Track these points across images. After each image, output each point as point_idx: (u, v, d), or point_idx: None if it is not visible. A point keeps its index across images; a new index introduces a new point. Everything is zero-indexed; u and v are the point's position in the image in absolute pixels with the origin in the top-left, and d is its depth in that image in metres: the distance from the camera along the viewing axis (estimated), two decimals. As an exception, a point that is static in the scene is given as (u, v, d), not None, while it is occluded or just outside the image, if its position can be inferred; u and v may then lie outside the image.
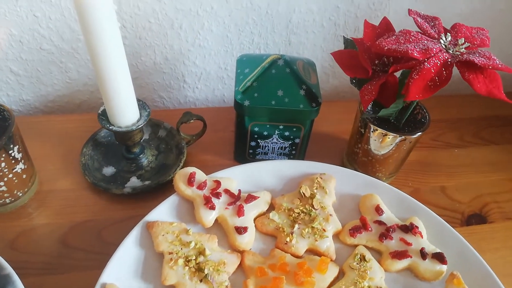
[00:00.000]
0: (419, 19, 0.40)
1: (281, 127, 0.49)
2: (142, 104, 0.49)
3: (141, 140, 0.51)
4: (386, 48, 0.38)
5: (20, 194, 0.47)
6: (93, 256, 0.44)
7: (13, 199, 0.46)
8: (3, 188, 0.44)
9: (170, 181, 0.50)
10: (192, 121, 0.52)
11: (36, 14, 0.54)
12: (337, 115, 0.62)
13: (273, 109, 0.47)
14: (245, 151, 0.53)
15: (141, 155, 0.53)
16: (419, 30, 0.41)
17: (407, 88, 0.38)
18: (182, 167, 0.52)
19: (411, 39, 0.38)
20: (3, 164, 0.42)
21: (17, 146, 0.44)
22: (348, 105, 0.64)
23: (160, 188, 0.50)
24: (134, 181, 0.51)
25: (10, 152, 0.43)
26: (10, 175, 0.44)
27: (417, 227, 0.45)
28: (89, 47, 0.40)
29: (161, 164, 0.53)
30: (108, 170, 0.52)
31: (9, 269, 0.38)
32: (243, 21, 0.60)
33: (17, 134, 0.44)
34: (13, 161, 0.43)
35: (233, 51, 0.63)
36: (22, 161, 0.45)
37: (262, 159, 0.54)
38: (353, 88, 0.72)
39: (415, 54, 0.37)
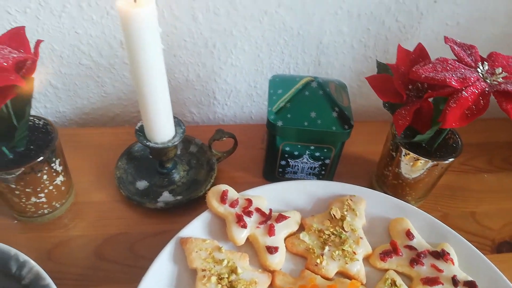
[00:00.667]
0: (455, 47, 0.41)
1: (312, 147, 0.50)
2: (177, 121, 0.50)
3: (174, 156, 0.52)
4: (424, 76, 0.38)
5: (58, 205, 0.48)
6: (126, 269, 0.45)
7: (51, 210, 0.48)
8: (43, 199, 0.46)
9: (201, 196, 0.51)
10: (224, 138, 0.53)
11: (78, 31, 0.56)
12: (364, 135, 0.63)
13: (305, 130, 0.48)
14: (274, 169, 0.54)
15: (174, 170, 0.54)
16: (455, 58, 0.41)
17: (444, 116, 0.38)
18: (213, 184, 0.53)
19: (448, 68, 0.39)
20: (45, 177, 0.44)
21: (59, 159, 0.45)
22: (375, 126, 0.65)
23: (191, 203, 0.51)
24: (166, 196, 0.52)
25: (52, 165, 0.44)
26: (51, 187, 0.46)
27: (448, 253, 0.44)
28: (133, 66, 0.41)
29: (192, 179, 0.54)
30: (141, 184, 0.53)
31: (48, 280, 0.39)
32: (275, 41, 0.61)
33: (59, 147, 0.45)
34: (54, 174, 0.45)
35: (264, 69, 0.65)
36: (62, 173, 0.47)
37: (291, 178, 0.55)
38: (380, 109, 0.72)
39: (453, 83, 0.37)
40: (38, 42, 0.39)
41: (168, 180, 0.54)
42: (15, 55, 0.36)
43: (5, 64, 0.34)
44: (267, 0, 0.56)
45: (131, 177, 0.54)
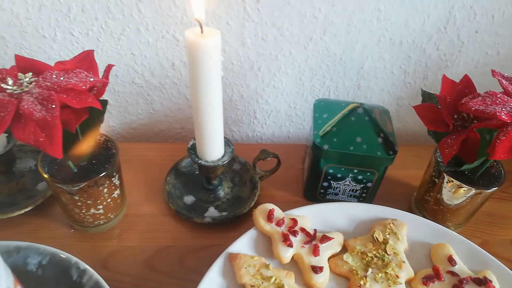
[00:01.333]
0: (504, 81, 0.42)
1: (355, 170, 0.52)
2: (226, 141, 0.52)
3: (221, 173, 0.55)
4: (474, 108, 0.40)
5: (112, 217, 0.51)
6: (175, 281, 0.48)
7: (106, 221, 0.51)
8: (101, 211, 0.49)
9: (246, 213, 0.53)
10: (268, 158, 0.55)
11: (134, 52, 0.59)
12: (402, 159, 0.63)
13: (351, 155, 0.49)
14: (316, 190, 0.56)
15: (219, 187, 0.56)
16: (502, 91, 0.43)
17: (493, 147, 0.39)
18: (256, 201, 0.55)
19: (497, 101, 0.40)
20: (105, 190, 0.47)
21: (118, 174, 0.48)
22: (413, 150, 0.66)
23: (236, 220, 0.54)
24: (212, 211, 0.54)
25: (112, 179, 0.47)
26: (109, 200, 0.48)
27: (490, 281, 0.45)
28: (193, 89, 0.44)
29: (236, 196, 0.57)
30: (189, 199, 0.56)
31: (107, 288, 0.42)
32: (317, 66, 0.64)
33: (118, 163, 0.49)
34: (113, 187, 0.48)
35: (304, 92, 0.67)
36: (119, 187, 0.50)
37: (332, 199, 0.56)
38: (416, 132, 0.73)
39: (503, 117, 0.39)
40: (110, 67, 0.43)
41: (214, 196, 0.56)
42: (91, 79, 0.39)
43: (84, 87, 0.38)
44: (313, 27, 0.59)
45: (179, 192, 0.56)
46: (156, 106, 0.67)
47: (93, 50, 0.45)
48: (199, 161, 0.51)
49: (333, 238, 0.48)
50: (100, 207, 0.48)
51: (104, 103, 0.41)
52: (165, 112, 0.68)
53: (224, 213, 0.54)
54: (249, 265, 0.45)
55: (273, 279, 0.44)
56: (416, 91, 0.69)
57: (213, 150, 0.50)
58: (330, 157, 0.50)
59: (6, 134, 0.51)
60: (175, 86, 0.64)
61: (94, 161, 0.47)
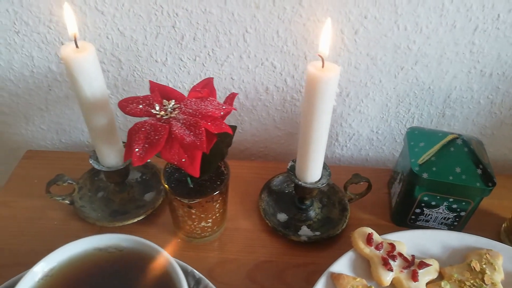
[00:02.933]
0: None
1: (451, 199, 0.53)
2: (324, 166, 0.56)
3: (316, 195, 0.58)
4: None
5: (216, 230, 0.55)
6: (277, 295, 0.51)
7: (210, 233, 0.55)
8: (209, 224, 0.53)
9: (338, 234, 0.56)
10: (361, 183, 0.58)
11: (233, 77, 0.64)
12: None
13: (449, 184, 0.51)
14: (407, 216, 0.57)
15: (311, 207, 0.59)
16: None
17: None
18: (348, 223, 0.58)
19: None
20: (217, 205, 0.51)
21: (227, 191, 0.52)
22: (499, 179, 0.66)
23: (328, 240, 0.56)
24: (305, 230, 0.57)
25: (224, 196, 0.51)
26: (217, 214, 0.53)
27: None
28: (306, 115, 0.47)
29: (325, 217, 0.59)
30: (281, 217, 0.59)
31: (222, 297, 0.45)
32: (405, 94, 0.66)
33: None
34: (223, 203, 0.52)
35: (388, 117, 0.69)
36: (227, 202, 0.54)
37: (422, 226, 0.58)
38: (497, 162, 0.73)
39: None
40: (234, 95, 0.47)
41: (305, 215, 0.59)
42: (224, 107, 0.43)
43: (221, 114, 0.42)
44: (405, 58, 0.61)
45: (272, 209, 0.60)
46: (245, 126, 0.71)
47: (212, 78, 0.50)
48: (299, 182, 0.54)
49: (431, 264, 0.50)
50: (210, 220, 0.52)
51: (234, 128, 0.45)
52: (252, 132, 0.72)
53: (317, 233, 0.56)
54: (352, 286, 0.47)
55: (376, 301, 0.46)
56: (500, 121, 0.69)
57: (313, 172, 0.53)
58: (428, 185, 0.52)
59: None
60: (265, 108, 0.68)
61: (207, 178, 0.52)
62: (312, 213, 0.59)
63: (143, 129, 0.40)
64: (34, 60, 0.63)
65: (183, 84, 0.66)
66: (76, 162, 0.66)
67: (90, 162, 0.54)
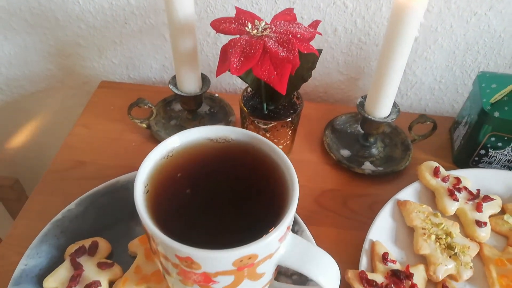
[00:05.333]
0: None
1: (518, 141, 0.54)
2: (393, 103, 0.57)
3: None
4: None
5: (284, 158, 0.58)
6: (342, 219, 0.54)
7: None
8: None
9: (400, 171, 0.58)
10: (428, 122, 0.59)
11: (303, 16, 0.65)
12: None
13: (521, 124, 0.52)
14: (470, 157, 0.59)
15: (374, 145, 0.61)
16: None
17: None
18: (411, 161, 0.59)
19: None
20: (290, 132, 0.54)
21: (299, 120, 0.55)
22: None
23: (391, 175, 0.58)
24: (368, 165, 0.59)
25: (293, 124, 0.54)
26: (288, 141, 0.56)
27: None
28: (388, 47, 0.49)
29: (388, 155, 0.61)
30: (345, 152, 0.61)
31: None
32: (474, 41, 0.65)
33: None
34: (293, 132, 0.55)
35: (454, 66, 0.69)
36: (295, 132, 0.56)
37: (484, 168, 0.59)
38: None
39: None
40: (317, 22, 0.49)
41: (368, 152, 0.61)
42: (311, 30, 0.45)
43: (309, 36, 0.44)
44: (480, 2, 0.61)
45: (335, 145, 0.62)
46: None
47: (293, 8, 0.52)
48: (368, 116, 0.56)
49: (495, 199, 0.51)
50: (281, 146, 0.55)
51: (320, 51, 0.47)
52: (314, 76, 0.73)
53: (380, 168, 0.59)
54: (419, 211, 0.50)
55: (442, 226, 0.48)
56: None
57: (384, 107, 0.55)
58: (498, 124, 0.53)
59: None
60: (330, 51, 0.70)
61: (280, 107, 0.54)
62: (375, 151, 0.62)
63: (239, 44, 0.42)
64: (115, -8, 0.66)
65: (253, 22, 0.68)
66: (148, 94, 0.70)
67: (170, 87, 0.58)
